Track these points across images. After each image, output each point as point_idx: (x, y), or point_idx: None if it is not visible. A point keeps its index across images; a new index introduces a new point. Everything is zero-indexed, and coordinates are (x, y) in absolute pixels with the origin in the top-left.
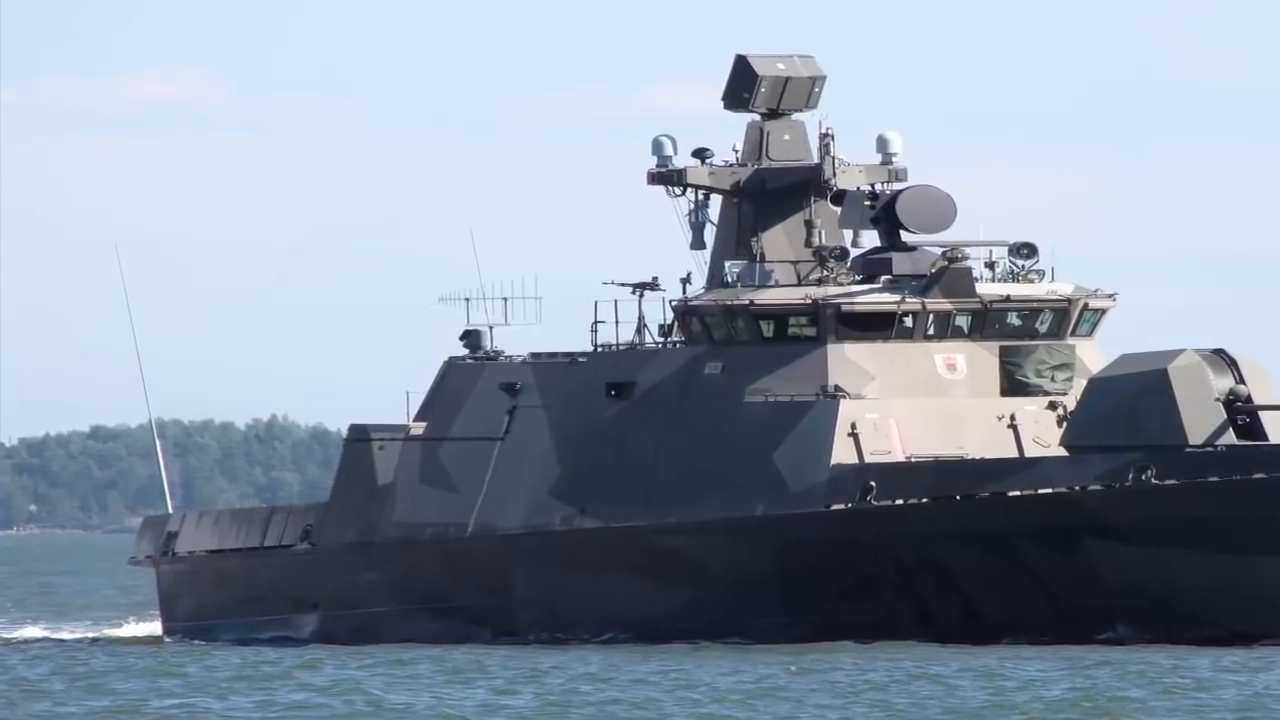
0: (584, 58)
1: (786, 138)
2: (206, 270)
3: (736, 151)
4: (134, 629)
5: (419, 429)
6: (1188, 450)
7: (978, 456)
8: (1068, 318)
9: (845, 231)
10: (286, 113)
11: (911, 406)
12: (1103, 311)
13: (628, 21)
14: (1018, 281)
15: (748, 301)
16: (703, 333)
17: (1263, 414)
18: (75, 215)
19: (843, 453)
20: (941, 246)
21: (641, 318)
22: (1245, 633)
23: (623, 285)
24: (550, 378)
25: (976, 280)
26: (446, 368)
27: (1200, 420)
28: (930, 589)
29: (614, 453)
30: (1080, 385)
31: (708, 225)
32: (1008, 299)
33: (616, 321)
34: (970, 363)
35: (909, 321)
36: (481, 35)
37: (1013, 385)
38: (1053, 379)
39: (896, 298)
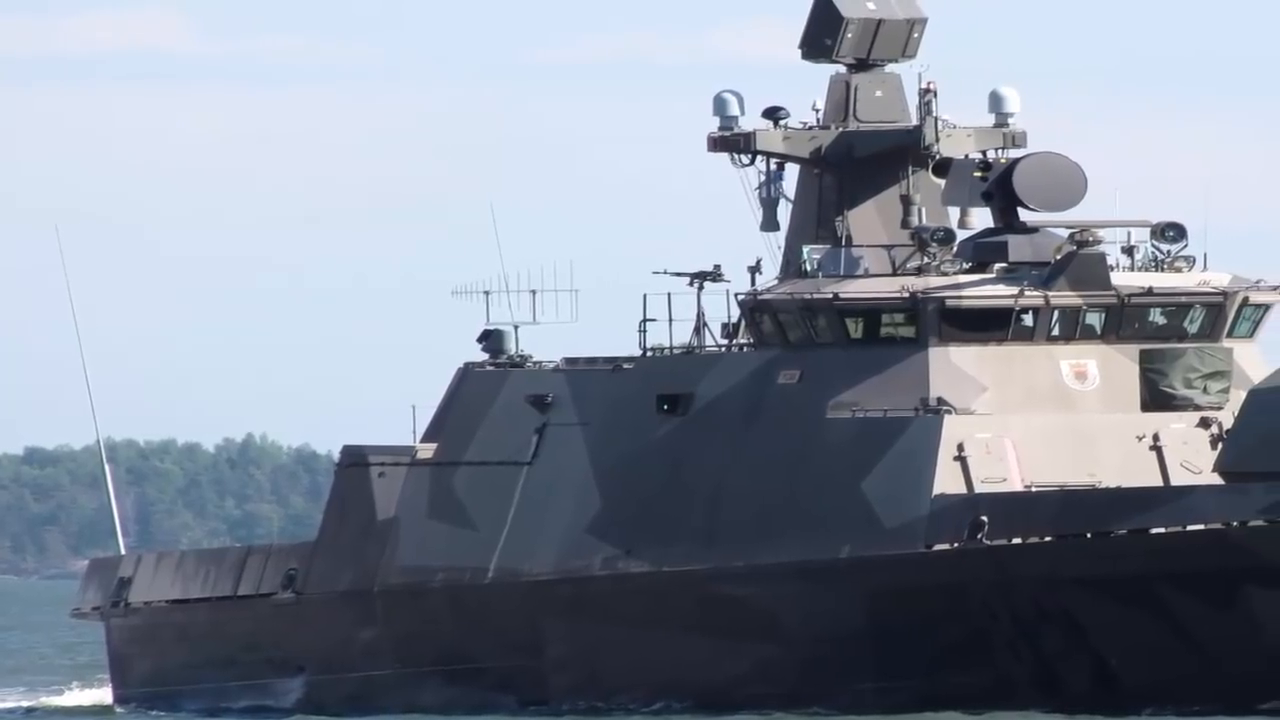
0: None
1: (878, 94)
2: (167, 256)
3: (817, 111)
4: (78, 696)
5: (427, 451)
6: None
7: (1113, 485)
8: (1223, 315)
9: (950, 209)
10: (266, 62)
11: (1032, 424)
12: (1266, 307)
13: None
14: (1162, 270)
15: (831, 295)
16: (776, 333)
17: None
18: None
19: (948, 481)
20: (1068, 227)
21: (700, 315)
22: None
23: (678, 275)
24: (588, 388)
25: (1111, 269)
26: (461, 376)
27: None
28: (1055, 648)
29: (667, 481)
30: (1239, 398)
31: (782, 201)
32: (1150, 292)
33: (670, 319)
34: (1104, 370)
35: (1029, 319)
36: None
37: (1156, 398)
38: (1205, 390)
39: (1013, 290)
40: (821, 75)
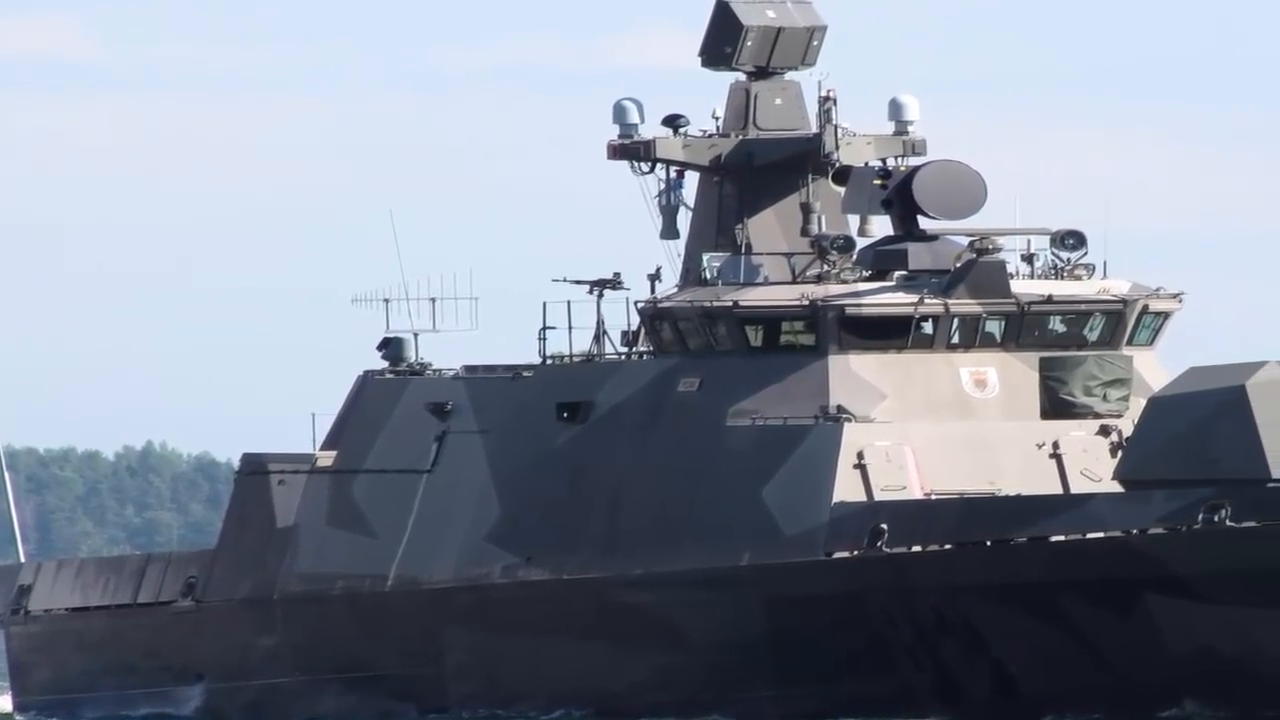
0: (531, 1)
1: (778, 102)
2: (66, 262)
3: (717, 119)
4: None
5: (327, 459)
6: (1271, 485)
7: (1013, 493)
8: (1123, 323)
9: (850, 217)
10: (165, 70)
11: (931, 432)
12: (1166, 315)
13: None
14: (1062, 278)
15: (730, 303)
16: (675, 341)
17: None
18: None
19: (847, 488)
20: (968, 235)
21: (600, 323)
22: None
23: (577, 283)
24: (488, 396)
25: (1011, 277)
26: (361, 384)
27: None
28: (955, 656)
29: (567, 489)
30: (1139, 406)
31: (682, 209)
32: (1049, 300)
33: (570, 327)
34: (1004, 378)
35: (928, 327)
36: None
37: (1055, 405)
38: (1105, 398)
39: (913, 298)
40: (721, 83)
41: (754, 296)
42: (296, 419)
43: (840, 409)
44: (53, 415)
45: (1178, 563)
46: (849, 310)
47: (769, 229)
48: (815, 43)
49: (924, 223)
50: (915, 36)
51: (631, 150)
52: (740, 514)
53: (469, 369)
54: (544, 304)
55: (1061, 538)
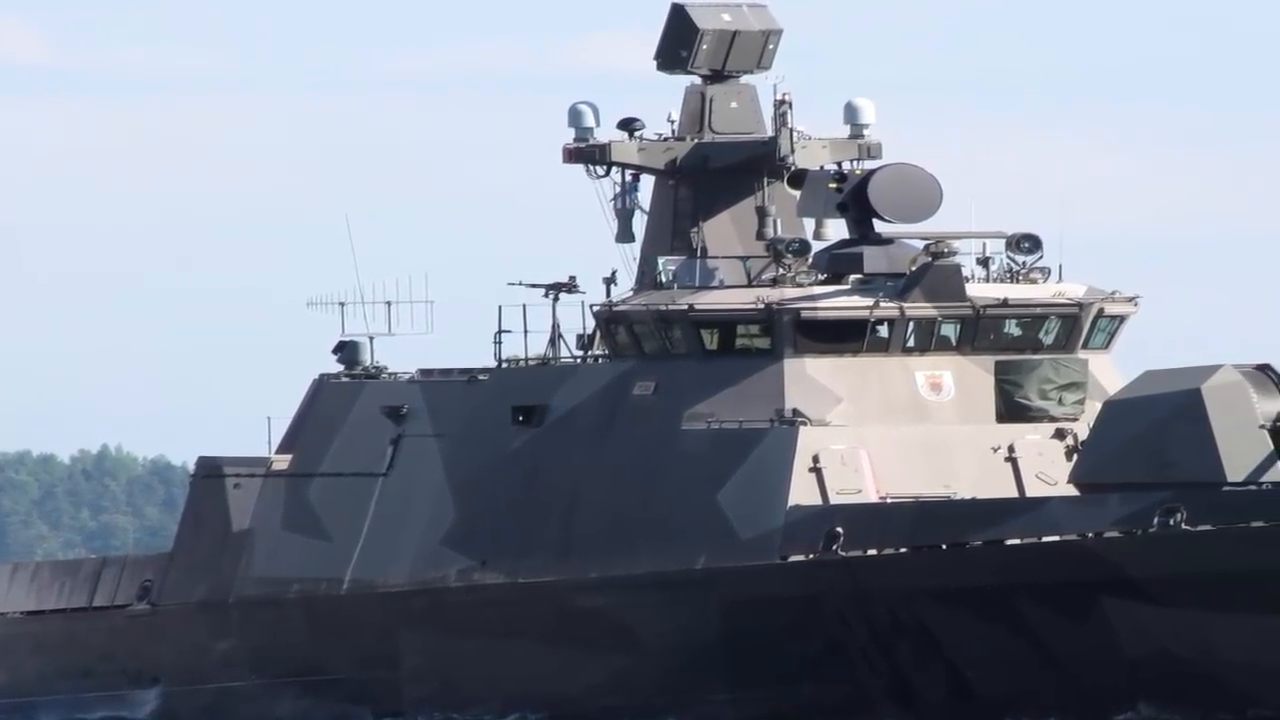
0: (487, 5)
1: (734, 105)
2: (20, 264)
3: (672, 122)
4: None
5: (283, 463)
6: (1226, 489)
7: (968, 497)
8: (1078, 326)
9: (806, 220)
10: (122, 74)
11: (887, 435)
12: (1122, 319)
13: None
14: (1017, 282)
15: (686, 306)
16: (631, 344)
17: None
18: None
19: (803, 492)
20: (924, 239)
21: (556, 326)
22: None
23: (533, 286)
24: (443, 400)
25: (967, 280)
26: (316, 387)
27: (1241, 452)
28: (910, 659)
29: (522, 492)
30: (1094, 409)
31: (637, 213)
32: (1005, 303)
33: (525, 331)
34: (959, 381)
35: (884, 330)
36: None
37: (1011, 409)
38: (1060, 401)
39: (869, 301)
40: (677, 87)
41: (709, 300)
42: (252, 422)
43: (795, 412)
44: (7, 418)
45: (1133, 566)
46: (804, 314)
47: (724, 232)
48: (771, 46)
49: (879, 226)
50: (871, 40)
51: (587, 154)
52: (696, 517)
53: (424, 372)
54: (499, 307)
55: (1017, 541)
